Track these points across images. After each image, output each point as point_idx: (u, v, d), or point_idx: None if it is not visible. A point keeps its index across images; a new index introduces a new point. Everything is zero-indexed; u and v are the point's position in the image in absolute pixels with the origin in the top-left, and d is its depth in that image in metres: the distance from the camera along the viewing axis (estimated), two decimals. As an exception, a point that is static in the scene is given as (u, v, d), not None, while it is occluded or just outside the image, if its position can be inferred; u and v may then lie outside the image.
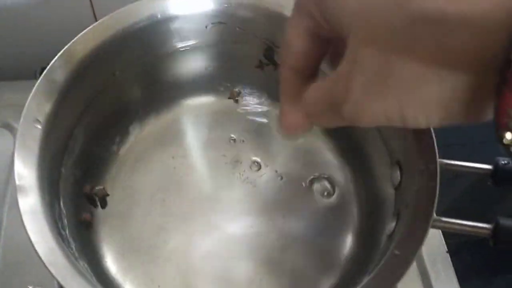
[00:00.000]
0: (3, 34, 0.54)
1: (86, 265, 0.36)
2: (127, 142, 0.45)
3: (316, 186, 0.44)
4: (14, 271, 0.42)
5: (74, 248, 0.36)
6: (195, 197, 0.43)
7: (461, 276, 0.44)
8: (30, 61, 0.48)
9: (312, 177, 0.44)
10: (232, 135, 0.46)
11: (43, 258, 0.30)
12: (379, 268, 0.32)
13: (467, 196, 0.50)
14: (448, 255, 0.45)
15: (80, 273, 0.31)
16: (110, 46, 0.40)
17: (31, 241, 0.31)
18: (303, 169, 0.45)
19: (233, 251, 0.41)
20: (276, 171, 0.44)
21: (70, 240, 0.36)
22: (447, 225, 0.34)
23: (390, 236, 0.35)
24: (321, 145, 0.46)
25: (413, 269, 0.44)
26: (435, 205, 0.33)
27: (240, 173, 0.44)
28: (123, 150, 0.45)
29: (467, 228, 0.34)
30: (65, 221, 0.37)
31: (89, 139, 0.41)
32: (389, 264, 0.32)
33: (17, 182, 0.33)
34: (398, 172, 0.38)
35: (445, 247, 0.45)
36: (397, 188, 0.38)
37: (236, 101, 0.47)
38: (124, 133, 0.45)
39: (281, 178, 0.44)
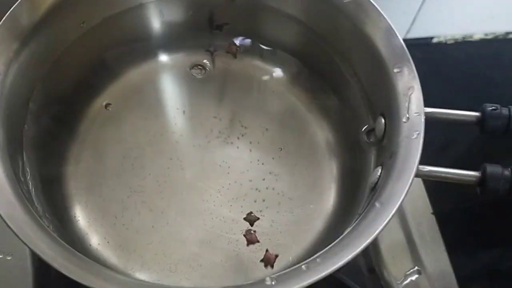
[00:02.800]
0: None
1: (52, 224, 0.34)
2: (97, 101, 0.43)
3: (296, 141, 0.42)
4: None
5: (39, 206, 0.34)
6: (170, 158, 0.41)
7: (448, 248, 0.42)
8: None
9: (293, 134, 0.43)
10: (209, 93, 0.44)
11: (1, 212, 0.28)
12: (358, 220, 0.31)
13: (452, 146, 0.48)
14: (433, 216, 0.43)
15: (42, 227, 0.29)
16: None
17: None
18: (284, 128, 0.43)
19: (212, 210, 0.39)
20: (255, 131, 0.42)
21: (34, 198, 0.34)
22: (432, 174, 0.32)
23: (374, 188, 0.34)
24: (301, 102, 0.44)
25: (397, 230, 0.42)
26: (419, 153, 0.31)
27: (219, 132, 0.42)
28: (93, 108, 0.42)
29: (453, 176, 0.32)
30: (30, 178, 0.35)
31: (56, 94, 0.39)
32: (369, 216, 0.30)
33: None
34: (383, 124, 0.36)
35: (430, 208, 0.44)
36: (380, 140, 0.36)
37: (235, 56, 0.45)
38: (94, 91, 0.43)
39: (260, 138, 0.42)
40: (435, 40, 0.56)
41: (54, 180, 0.38)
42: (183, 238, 0.38)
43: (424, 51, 0.55)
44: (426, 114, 0.33)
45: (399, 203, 0.30)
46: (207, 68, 0.45)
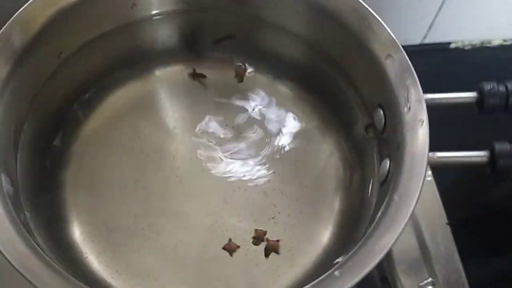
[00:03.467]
0: None
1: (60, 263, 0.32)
2: (91, 120, 0.41)
3: (295, 145, 0.42)
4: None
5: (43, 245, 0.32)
6: (168, 175, 0.40)
7: (462, 254, 0.40)
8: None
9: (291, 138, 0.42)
10: (206, 108, 0.43)
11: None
12: (379, 217, 0.30)
13: (455, 131, 0.48)
14: (448, 227, 0.41)
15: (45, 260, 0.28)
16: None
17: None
18: (283, 134, 0.42)
19: (220, 224, 0.38)
20: (255, 141, 0.42)
21: (37, 236, 0.32)
22: (442, 160, 0.32)
23: (384, 182, 0.34)
24: (293, 102, 0.43)
25: (411, 240, 0.41)
26: (428, 141, 0.31)
27: (216, 143, 0.41)
28: (86, 128, 0.41)
29: (464, 159, 0.32)
30: (26, 200, 0.34)
31: (46, 120, 0.38)
32: (389, 212, 0.30)
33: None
34: (382, 116, 0.36)
35: (445, 218, 0.42)
36: (382, 131, 0.36)
37: (242, 80, 0.44)
38: (87, 110, 0.41)
39: (260, 148, 0.41)
40: (452, 46, 0.55)
41: (54, 214, 0.37)
42: (197, 258, 0.37)
43: (441, 56, 0.55)
44: (426, 101, 0.33)
45: (418, 193, 0.29)
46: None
